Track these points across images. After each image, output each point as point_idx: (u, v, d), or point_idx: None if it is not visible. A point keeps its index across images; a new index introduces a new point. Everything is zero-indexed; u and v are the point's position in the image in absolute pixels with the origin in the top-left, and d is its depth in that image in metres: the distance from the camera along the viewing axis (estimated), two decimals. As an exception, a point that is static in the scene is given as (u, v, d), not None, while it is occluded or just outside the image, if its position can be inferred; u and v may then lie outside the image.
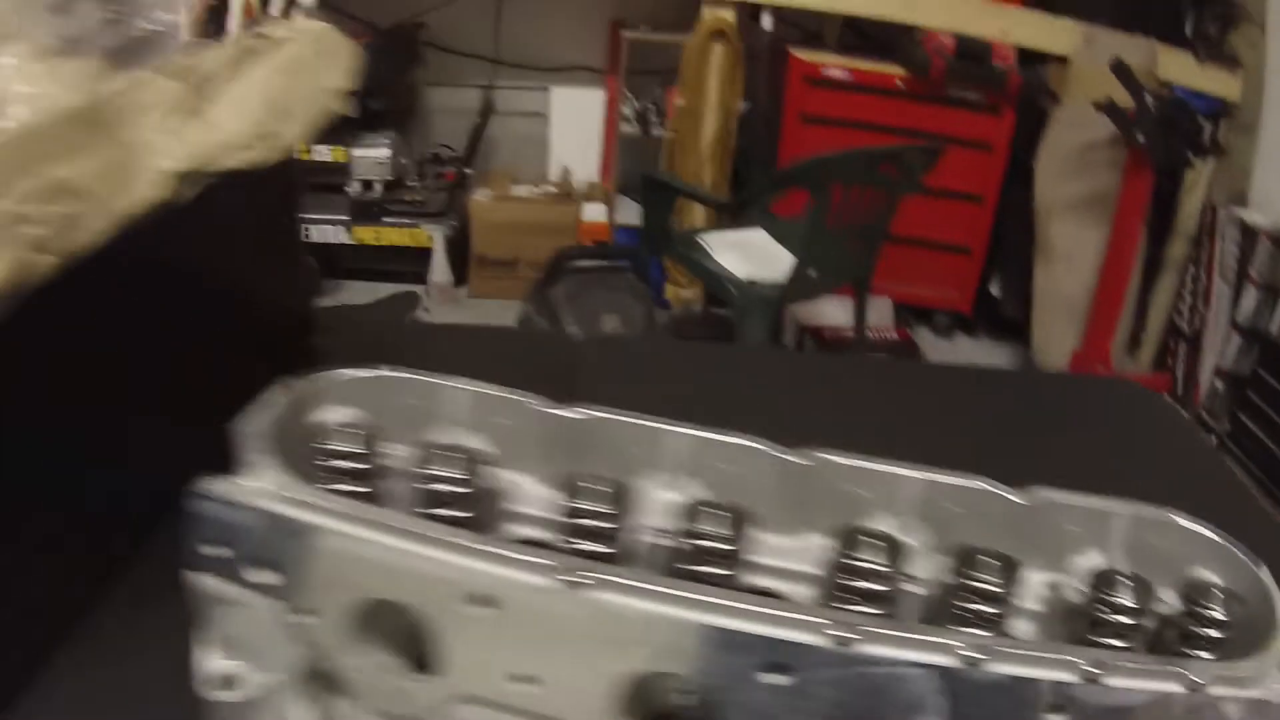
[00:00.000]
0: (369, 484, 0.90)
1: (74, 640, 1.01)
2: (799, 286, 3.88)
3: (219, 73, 1.10)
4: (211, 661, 0.81)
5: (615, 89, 5.66)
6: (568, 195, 5.63)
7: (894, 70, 5.01)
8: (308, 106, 1.16)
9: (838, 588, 0.83)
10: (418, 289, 5.37)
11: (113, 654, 1.00)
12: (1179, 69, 4.97)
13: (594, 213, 5.45)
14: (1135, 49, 4.63)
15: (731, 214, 4.38)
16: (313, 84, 1.18)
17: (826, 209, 3.74)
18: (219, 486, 0.76)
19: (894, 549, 0.81)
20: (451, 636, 0.72)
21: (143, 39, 1.23)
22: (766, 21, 5.02)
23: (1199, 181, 5.04)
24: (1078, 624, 0.82)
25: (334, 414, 0.93)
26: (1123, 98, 4.33)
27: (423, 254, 5.39)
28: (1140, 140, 4.35)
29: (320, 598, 0.76)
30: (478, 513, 0.88)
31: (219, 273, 1.29)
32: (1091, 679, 0.64)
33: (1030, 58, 5.04)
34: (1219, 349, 4.80)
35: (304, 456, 0.87)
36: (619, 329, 3.94)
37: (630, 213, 5.57)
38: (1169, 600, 0.82)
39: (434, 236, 5.39)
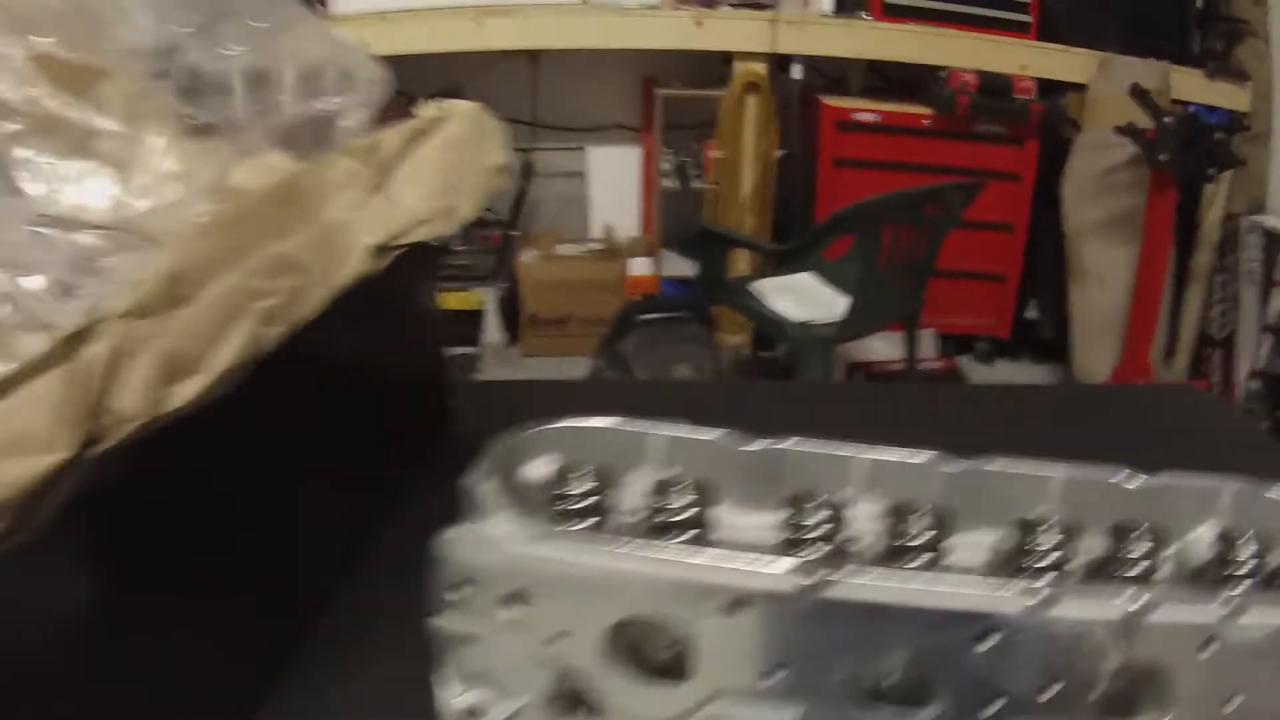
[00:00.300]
0: (597, 521, 0.96)
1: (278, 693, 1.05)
2: (853, 325, 4.00)
3: (394, 151, 1.15)
4: (456, 697, 0.87)
5: (651, 145, 5.74)
6: (612, 251, 5.69)
7: (920, 110, 5.16)
8: (475, 181, 1.21)
9: (1019, 567, 0.96)
10: (471, 350, 5.43)
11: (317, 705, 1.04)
12: (1191, 87, 5.11)
13: (639, 267, 5.50)
14: (1149, 72, 4.77)
15: (785, 260, 4.49)
16: (477, 160, 1.23)
17: (877, 250, 3.86)
18: (464, 533, 0.83)
19: (1066, 531, 0.95)
20: (707, 642, 0.80)
21: (311, 121, 1.27)
22: (796, 71, 5.13)
23: (1219, 192, 5.17)
24: (1202, 581, 0.98)
25: (547, 462, 1.00)
26: (1141, 120, 4.48)
27: (474, 316, 5.46)
28: (1162, 159, 4.47)
29: (573, 623, 0.82)
30: (702, 538, 0.96)
31: (389, 339, 1.37)
32: (1232, 617, 0.80)
33: (1049, 88, 5.18)
34: (1252, 351, 4.91)
35: (531, 501, 0.94)
36: (690, 377, 4.02)
37: (675, 265, 5.64)
38: (1275, 558, 0.98)
39: (485, 299, 5.48)
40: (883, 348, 4.96)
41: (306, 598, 1.16)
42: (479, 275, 5.54)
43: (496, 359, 5.47)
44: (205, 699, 0.93)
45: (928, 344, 5.19)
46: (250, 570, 1.02)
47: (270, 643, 1.08)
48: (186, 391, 0.75)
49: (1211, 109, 5.00)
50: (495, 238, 5.60)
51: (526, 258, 5.59)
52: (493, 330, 5.48)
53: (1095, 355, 5.07)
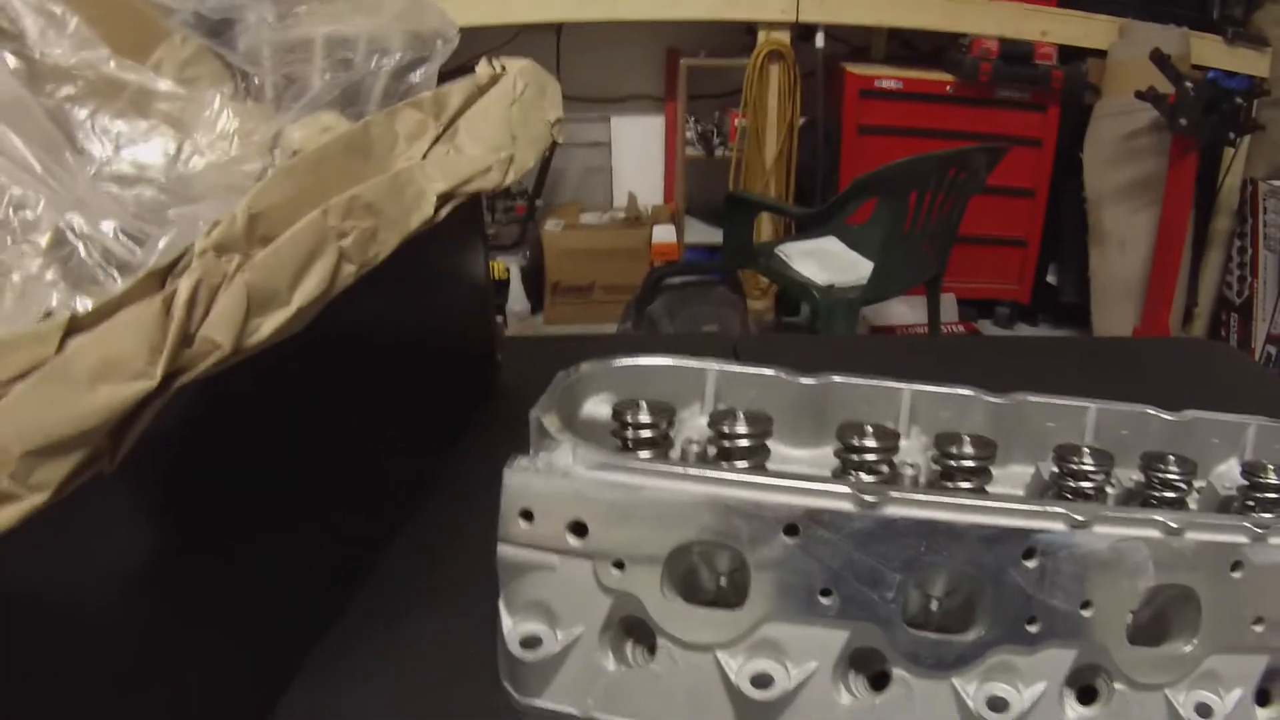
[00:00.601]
0: (658, 450, 0.98)
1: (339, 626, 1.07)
2: (878, 288, 4.04)
3: (458, 105, 1.18)
4: (520, 625, 0.89)
5: (675, 114, 5.77)
6: (636, 219, 5.71)
7: (943, 77, 5.17)
8: (534, 134, 1.24)
9: (1058, 490, 0.99)
10: (496, 319, 5.37)
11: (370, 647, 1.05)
12: (1211, 52, 5.12)
13: (663, 234, 5.52)
14: (1169, 37, 4.78)
15: (808, 225, 4.52)
16: (536, 114, 1.27)
17: (904, 214, 3.90)
18: (530, 462, 0.86)
19: (1104, 457, 0.98)
20: (763, 565, 0.83)
21: (375, 79, 1.29)
22: (819, 40, 5.13)
23: (1238, 158, 5.19)
24: (1230, 510, 1.02)
25: (607, 396, 1.04)
26: (1162, 85, 4.49)
27: (499, 286, 5.45)
28: (1182, 124, 4.49)
29: (634, 548, 0.85)
30: (760, 466, 0.99)
31: (445, 290, 1.43)
32: (1258, 538, 0.83)
33: (1070, 54, 5.19)
34: (1269, 316, 4.93)
35: (593, 433, 0.97)
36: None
37: (699, 232, 5.69)
38: None
39: (510, 268, 5.50)
40: (904, 311, 5.00)
41: (368, 535, 1.20)
42: (503, 245, 5.58)
43: (520, 329, 5.48)
44: (263, 639, 0.97)
45: (948, 308, 5.22)
46: (314, 508, 1.05)
47: (333, 578, 1.12)
48: (270, 325, 0.77)
49: (1231, 74, 4.99)
50: (520, 207, 5.63)
51: (551, 227, 5.60)
52: (516, 299, 5.50)
53: (1115, 319, 5.10)
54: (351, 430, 1.11)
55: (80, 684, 0.72)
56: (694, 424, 1.07)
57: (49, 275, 0.92)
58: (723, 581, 0.90)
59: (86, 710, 0.73)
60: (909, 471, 1.00)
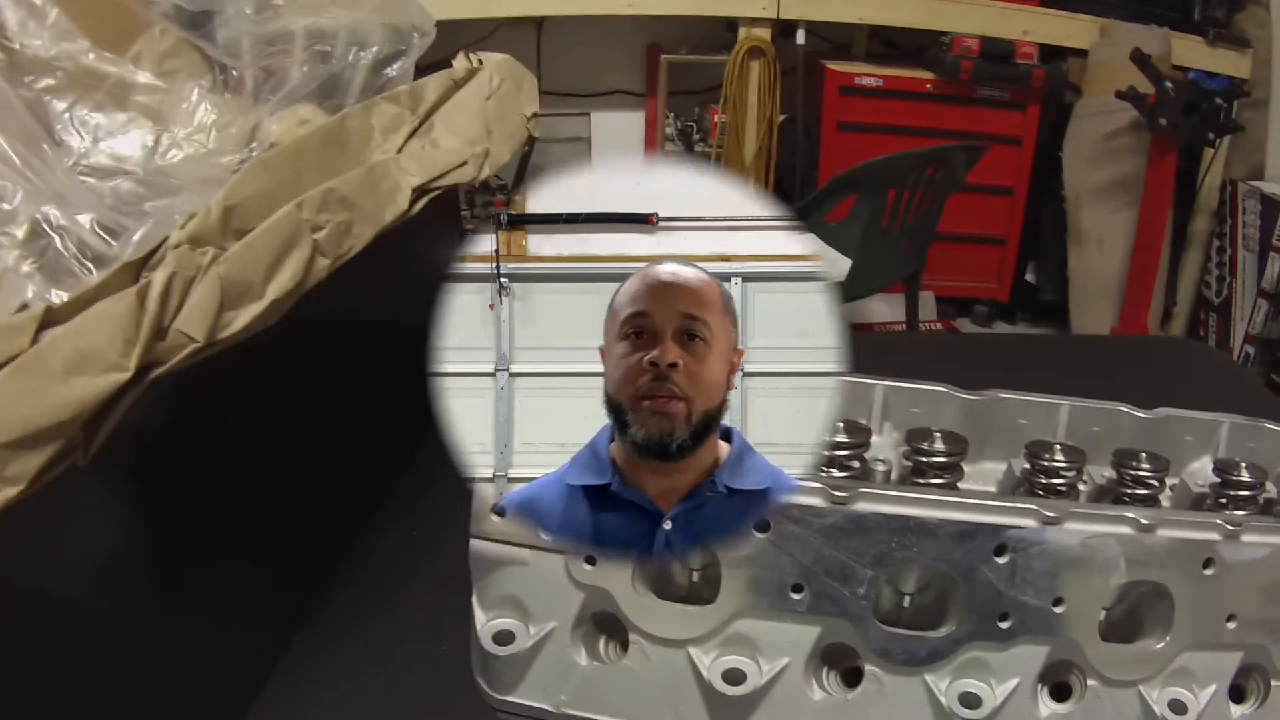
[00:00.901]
0: None
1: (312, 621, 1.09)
2: (856, 285, 4.03)
3: (435, 99, 1.19)
4: (493, 620, 0.90)
5: (655, 110, 5.74)
6: (615, 215, 5.66)
7: (923, 75, 5.15)
8: (509, 128, 1.26)
9: (1030, 486, 1.00)
10: None
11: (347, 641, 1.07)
12: (1192, 53, 5.11)
13: (641, 230, 5.43)
14: (1150, 38, 4.78)
15: (790, 221, 4.52)
16: (512, 108, 1.28)
17: (881, 211, 3.89)
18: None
19: (1076, 454, 0.99)
20: (735, 561, 0.83)
21: (352, 72, 1.30)
22: (800, 37, 5.11)
23: (1218, 158, 5.20)
24: (1203, 507, 1.02)
25: None
26: (1142, 85, 4.50)
27: (479, 280, 5.43)
28: (1162, 124, 4.50)
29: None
30: None
31: (418, 289, 1.41)
32: (1231, 535, 0.84)
33: (1051, 53, 5.18)
34: (1248, 316, 4.94)
35: None
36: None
37: (675, 229, 5.67)
38: (1271, 488, 1.02)
39: (488, 263, 5.48)
40: (883, 309, 4.99)
41: (342, 526, 1.20)
42: (482, 240, 5.53)
43: (500, 323, 5.42)
44: (239, 628, 0.98)
45: (927, 306, 5.22)
46: (288, 500, 1.07)
47: (308, 568, 1.13)
48: (243, 318, 0.78)
49: (1212, 75, 5.00)
50: (499, 202, 5.60)
51: (530, 221, 5.52)
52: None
53: (1093, 318, 5.11)
54: (325, 423, 1.11)
55: (55, 672, 0.72)
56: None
57: (25, 267, 0.92)
58: (695, 577, 0.91)
59: (63, 697, 0.73)
60: (880, 467, 1.01)
